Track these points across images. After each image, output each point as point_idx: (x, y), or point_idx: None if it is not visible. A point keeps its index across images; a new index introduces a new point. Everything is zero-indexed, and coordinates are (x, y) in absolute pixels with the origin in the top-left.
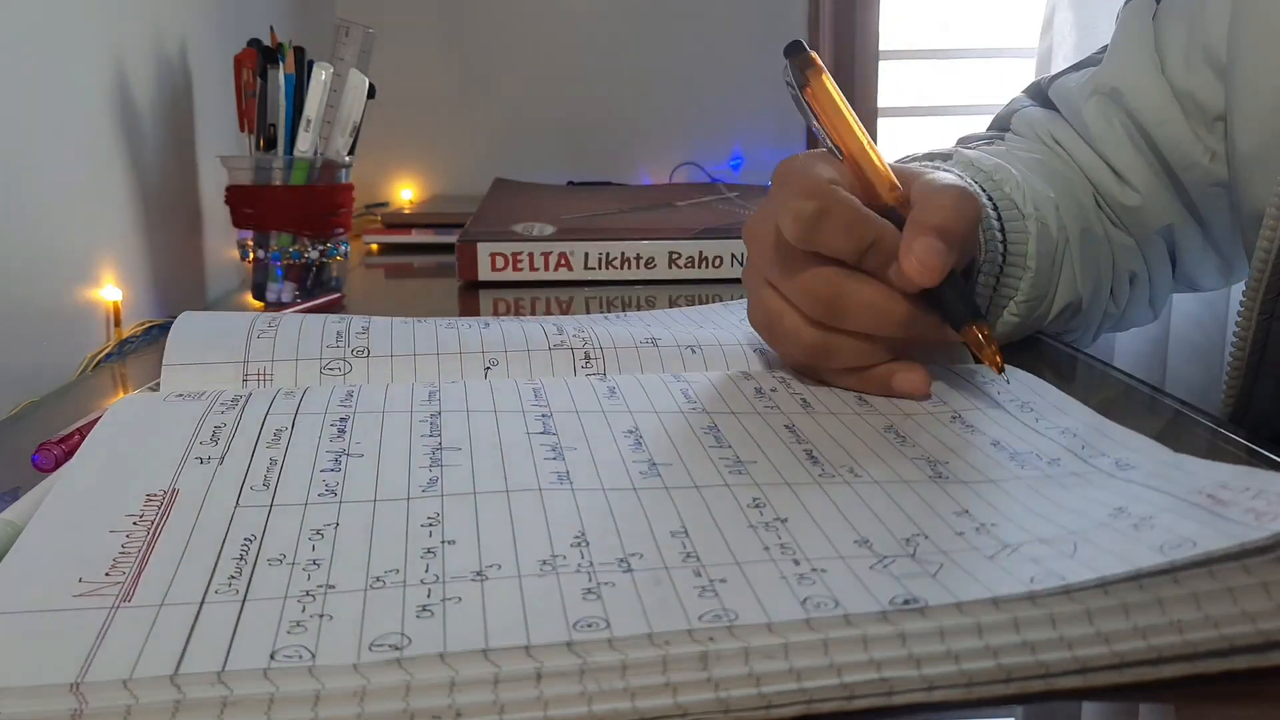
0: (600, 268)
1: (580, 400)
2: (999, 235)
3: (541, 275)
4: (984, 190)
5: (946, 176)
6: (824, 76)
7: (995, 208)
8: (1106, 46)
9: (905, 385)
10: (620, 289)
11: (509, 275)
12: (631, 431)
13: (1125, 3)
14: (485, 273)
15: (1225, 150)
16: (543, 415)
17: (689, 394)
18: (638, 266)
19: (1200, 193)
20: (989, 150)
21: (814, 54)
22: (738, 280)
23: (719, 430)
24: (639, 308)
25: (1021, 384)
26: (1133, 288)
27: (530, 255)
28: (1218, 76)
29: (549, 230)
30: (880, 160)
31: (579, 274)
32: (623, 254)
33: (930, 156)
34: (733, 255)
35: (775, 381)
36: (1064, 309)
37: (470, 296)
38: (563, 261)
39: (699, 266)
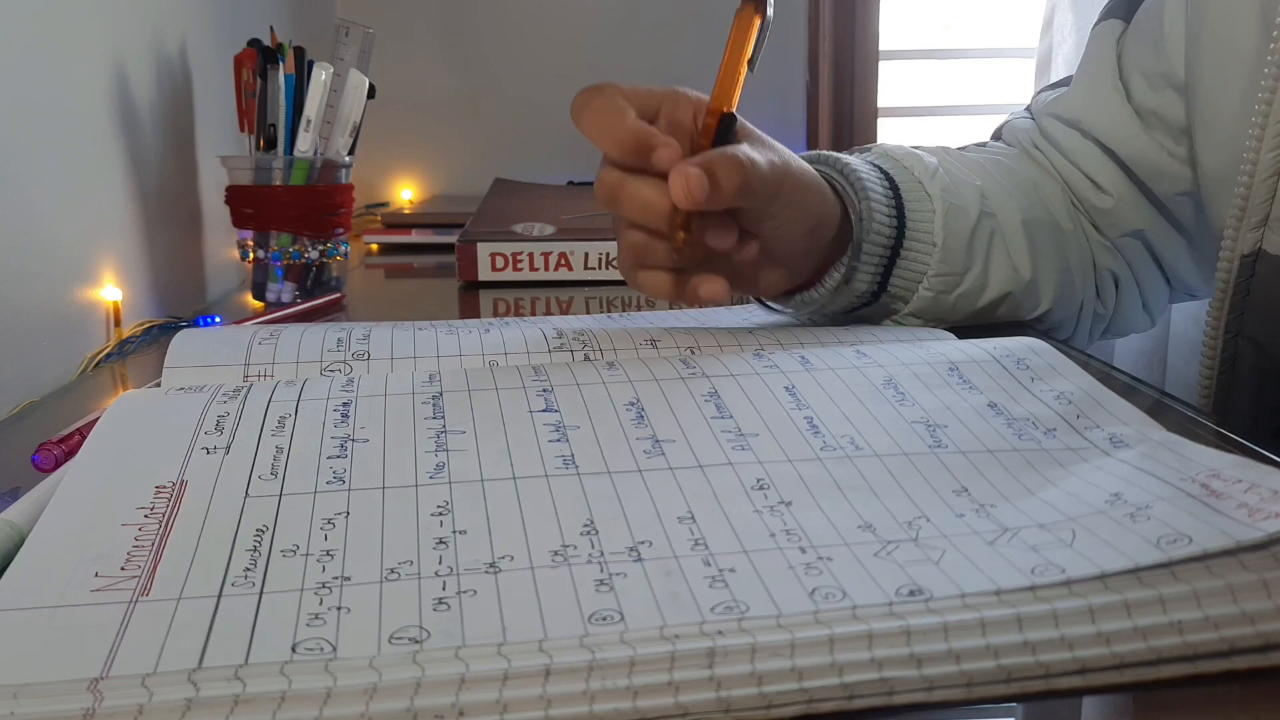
0: (600, 268)
1: (580, 374)
2: (892, 214)
3: (541, 275)
4: (887, 174)
5: (772, 151)
6: (747, 13)
7: (895, 189)
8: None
9: (708, 294)
10: (620, 289)
11: (509, 275)
12: (633, 404)
13: (1096, 23)
14: (485, 273)
15: (1191, 161)
16: (544, 390)
17: (688, 361)
18: None
19: (1171, 201)
20: (948, 151)
21: (762, 5)
22: None
23: (720, 397)
24: (639, 308)
25: (1019, 342)
26: (1119, 289)
27: (530, 255)
28: (1180, 96)
29: (549, 230)
30: (730, 90)
31: (579, 274)
32: None
33: (860, 149)
34: None
35: (774, 343)
36: (1004, 296)
37: (470, 296)
38: (563, 261)
39: None
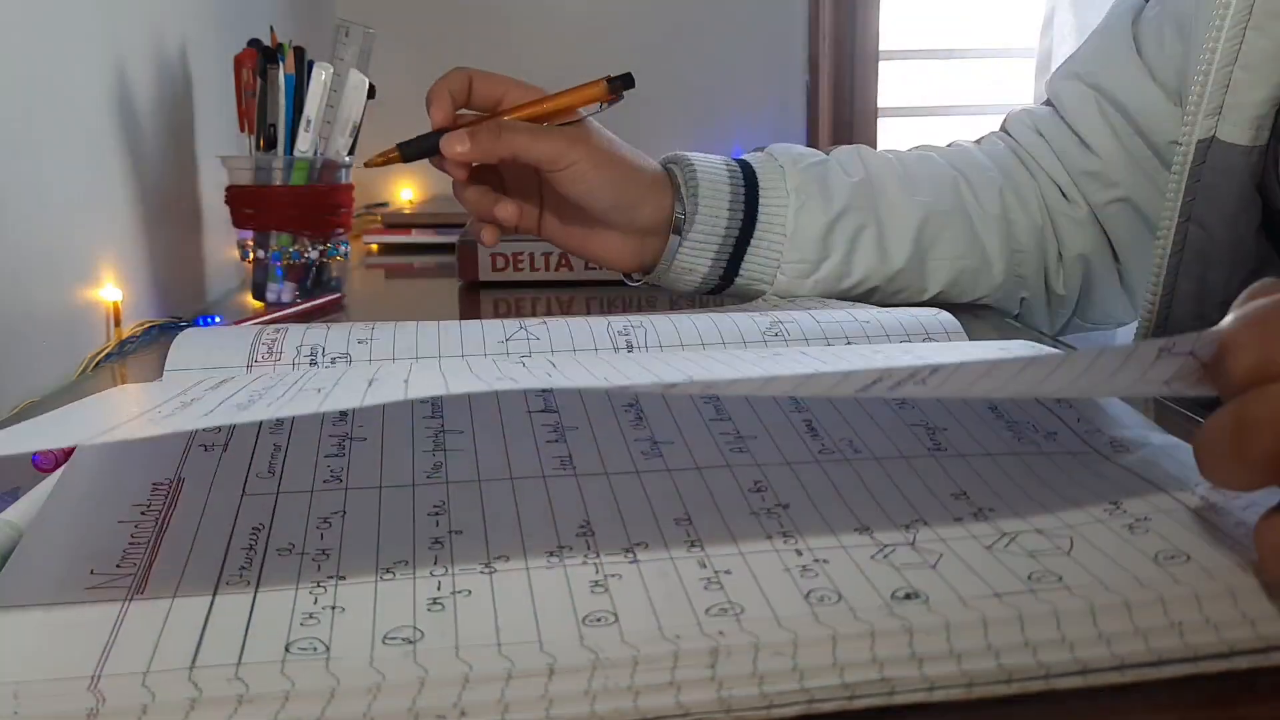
0: (601, 268)
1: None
2: (738, 207)
3: (542, 275)
4: (752, 171)
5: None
6: (599, 89)
7: (753, 185)
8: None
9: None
10: (620, 290)
11: (510, 275)
12: (632, 405)
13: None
14: (486, 273)
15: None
16: (542, 390)
17: None
18: None
19: (1167, 150)
20: (879, 153)
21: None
22: None
23: (719, 399)
24: (639, 309)
25: (1020, 344)
26: (1090, 271)
27: (531, 255)
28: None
29: None
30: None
31: (579, 274)
32: None
33: (762, 149)
34: None
35: (776, 342)
36: (868, 285)
37: (471, 297)
38: (564, 262)
39: None
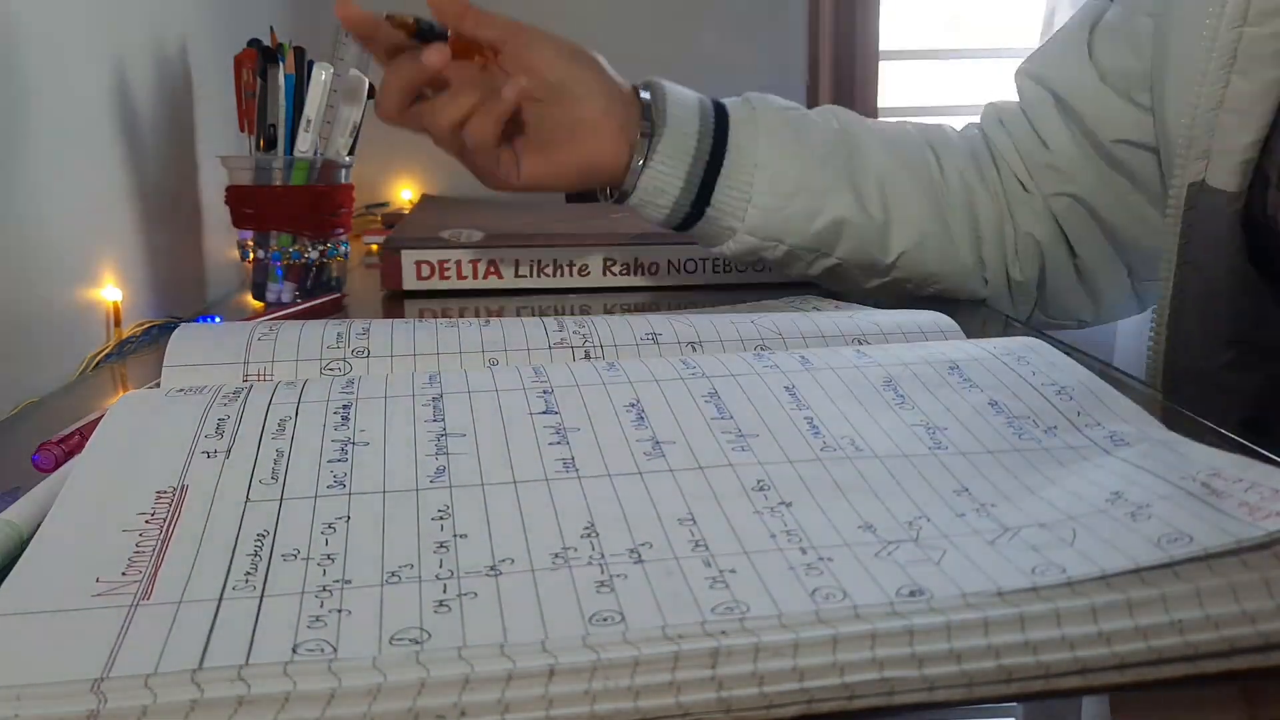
0: (531, 275)
1: (580, 374)
2: (708, 128)
3: (470, 284)
4: (721, 105)
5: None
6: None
7: (719, 116)
8: None
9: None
10: (553, 297)
11: (436, 284)
12: (633, 405)
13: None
14: (410, 281)
15: (1138, 106)
16: (544, 392)
17: (688, 361)
18: (570, 274)
19: (1116, 149)
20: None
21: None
22: (675, 288)
23: (720, 398)
24: (573, 313)
25: (1018, 340)
26: (1044, 259)
27: (458, 263)
28: (1134, 50)
29: (477, 236)
30: None
31: (509, 282)
32: (555, 261)
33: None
34: (669, 262)
35: (775, 336)
36: (837, 221)
37: (394, 306)
38: (492, 269)
39: (634, 274)
